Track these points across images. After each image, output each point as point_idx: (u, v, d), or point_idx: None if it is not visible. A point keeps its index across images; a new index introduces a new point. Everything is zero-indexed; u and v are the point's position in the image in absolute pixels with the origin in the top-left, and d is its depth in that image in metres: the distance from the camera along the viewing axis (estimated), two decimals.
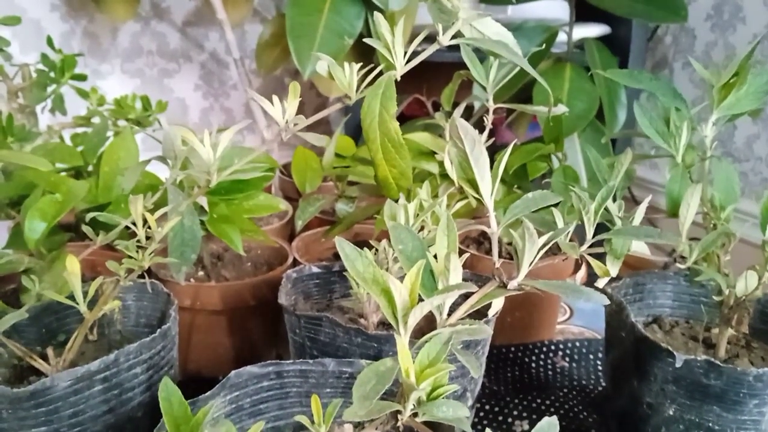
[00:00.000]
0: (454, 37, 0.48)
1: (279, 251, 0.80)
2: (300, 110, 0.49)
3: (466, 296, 0.44)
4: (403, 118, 1.21)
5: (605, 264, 0.55)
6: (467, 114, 0.94)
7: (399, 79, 0.49)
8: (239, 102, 1.48)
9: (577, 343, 0.86)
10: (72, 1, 1.25)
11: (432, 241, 0.45)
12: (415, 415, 0.39)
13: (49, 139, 0.90)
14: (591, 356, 0.84)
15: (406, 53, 0.48)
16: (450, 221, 0.44)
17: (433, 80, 1.09)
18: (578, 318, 0.95)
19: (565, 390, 0.77)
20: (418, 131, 0.86)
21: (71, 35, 1.26)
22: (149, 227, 0.49)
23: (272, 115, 0.48)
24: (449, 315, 0.43)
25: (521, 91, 1.01)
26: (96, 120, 0.93)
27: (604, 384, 0.77)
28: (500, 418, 0.71)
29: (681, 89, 1.28)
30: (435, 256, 0.44)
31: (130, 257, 0.49)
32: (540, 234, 0.43)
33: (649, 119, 0.59)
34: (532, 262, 0.43)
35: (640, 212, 0.51)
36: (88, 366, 0.47)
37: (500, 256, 0.81)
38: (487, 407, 0.72)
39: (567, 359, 0.83)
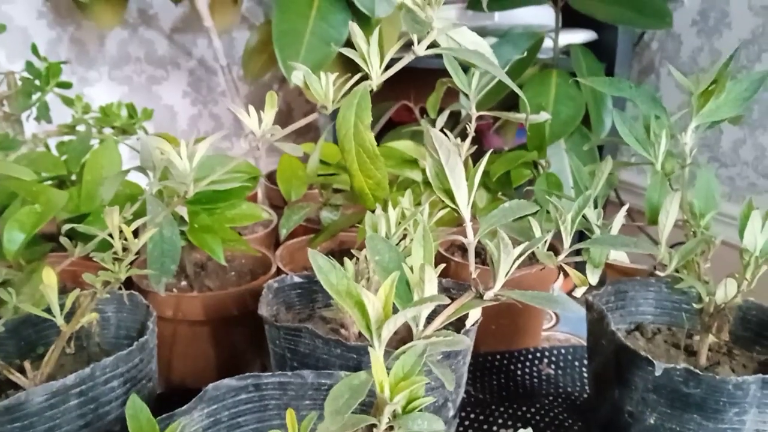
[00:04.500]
0: (431, 46, 0.48)
1: (263, 260, 0.79)
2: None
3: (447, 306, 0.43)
4: (391, 125, 1.21)
5: (591, 271, 0.55)
6: (454, 121, 0.94)
7: (381, 87, 0.49)
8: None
9: (563, 350, 0.86)
10: (59, 8, 1.24)
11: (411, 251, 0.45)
12: (391, 428, 0.39)
13: (34, 147, 0.90)
14: (576, 363, 0.84)
15: (382, 62, 0.48)
16: (426, 232, 0.44)
17: (422, 87, 1.09)
18: (564, 324, 0.95)
19: (551, 397, 0.76)
20: (405, 138, 0.86)
21: (58, 42, 1.26)
22: (126, 238, 0.49)
23: (249, 125, 0.48)
24: (428, 325, 0.43)
25: (509, 97, 1.01)
26: (81, 128, 0.93)
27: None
28: (485, 426, 0.70)
29: (668, 95, 1.29)
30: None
31: (108, 269, 0.49)
32: (520, 243, 0.43)
33: (628, 127, 0.59)
34: (508, 272, 0.43)
35: (618, 221, 0.51)
36: (64, 380, 0.46)
37: (484, 264, 0.81)
38: (472, 416, 0.72)
39: (553, 366, 0.83)
